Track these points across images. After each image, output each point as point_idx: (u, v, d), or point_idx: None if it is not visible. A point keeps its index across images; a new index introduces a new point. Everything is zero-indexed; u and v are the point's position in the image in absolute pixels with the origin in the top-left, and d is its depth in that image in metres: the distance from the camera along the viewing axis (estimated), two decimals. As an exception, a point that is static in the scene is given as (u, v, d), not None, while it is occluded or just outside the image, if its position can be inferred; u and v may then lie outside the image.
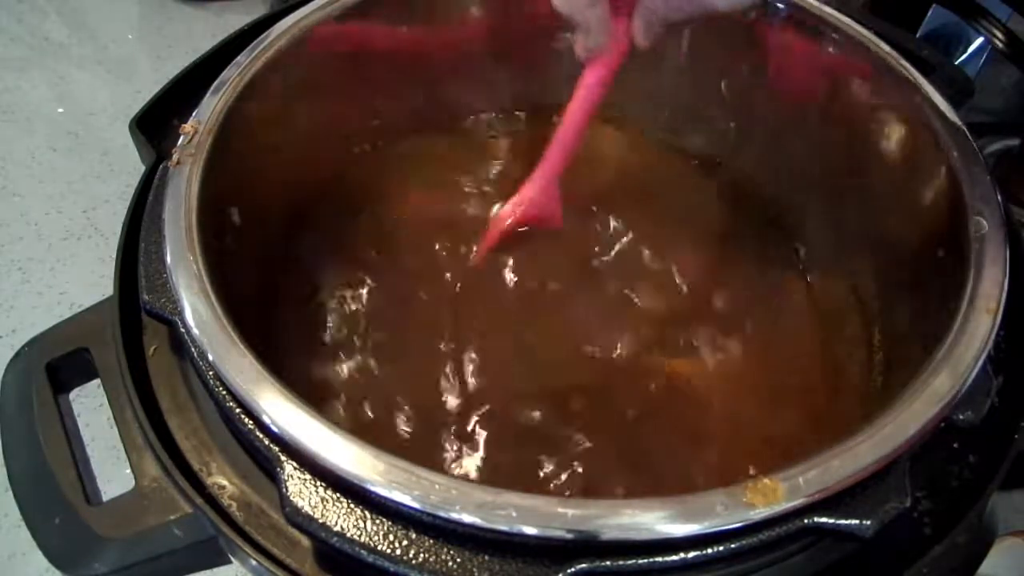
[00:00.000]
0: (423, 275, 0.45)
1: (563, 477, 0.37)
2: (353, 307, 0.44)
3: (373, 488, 0.25)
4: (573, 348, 0.42)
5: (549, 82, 0.49)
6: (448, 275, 0.45)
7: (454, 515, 0.24)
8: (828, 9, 0.40)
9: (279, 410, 0.26)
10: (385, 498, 0.25)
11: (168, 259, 0.30)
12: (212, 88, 0.36)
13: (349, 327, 0.43)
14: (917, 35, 0.63)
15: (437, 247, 0.46)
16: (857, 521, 0.25)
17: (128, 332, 0.34)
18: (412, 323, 0.43)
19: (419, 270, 0.45)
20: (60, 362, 0.35)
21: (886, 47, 0.39)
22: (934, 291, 0.34)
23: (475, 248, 0.44)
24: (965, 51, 0.68)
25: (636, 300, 0.44)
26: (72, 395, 0.36)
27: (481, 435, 0.38)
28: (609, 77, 0.39)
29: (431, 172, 0.51)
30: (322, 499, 0.26)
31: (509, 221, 0.44)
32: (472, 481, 0.25)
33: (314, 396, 0.39)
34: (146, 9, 0.96)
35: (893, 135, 0.38)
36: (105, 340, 0.34)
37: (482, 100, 0.51)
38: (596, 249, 0.46)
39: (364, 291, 0.44)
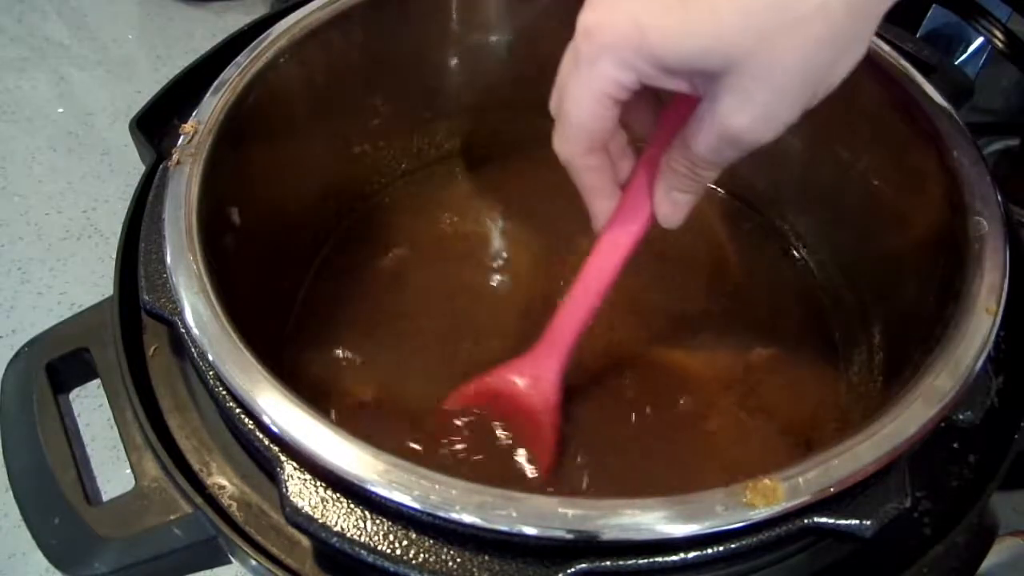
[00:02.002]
0: (425, 275, 0.45)
1: (564, 477, 0.37)
2: (354, 307, 0.44)
3: (373, 488, 0.25)
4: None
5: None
6: (450, 275, 0.45)
7: (454, 515, 0.24)
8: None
9: (279, 410, 0.26)
10: (385, 498, 0.25)
11: (168, 259, 0.30)
12: (212, 88, 0.36)
13: (349, 327, 0.43)
14: (917, 35, 0.63)
15: (440, 247, 0.46)
16: (857, 521, 0.25)
17: (128, 332, 0.34)
18: (414, 323, 0.43)
19: (421, 270, 0.45)
20: (60, 362, 0.35)
21: (886, 47, 0.39)
22: (934, 291, 0.34)
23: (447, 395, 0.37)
24: (965, 51, 0.68)
25: (635, 302, 0.44)
26: (72, 395, 0.36)
27: (480, 435, 0.38)
28: (625, 253, 0.33)
29: (435, 176, 0.51)
30: (322, 499, 0.26)
31: (492, 390, 0.36)
32: (472, 481, 0.25)
33: (314, 396, 0.39)
34: (146, 9, 0.96)
35: (893, 135, 0.38)
36: (105, 340, 0.34)
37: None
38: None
39: (366, 290, 0.44)
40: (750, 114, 0.26)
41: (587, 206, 0.32)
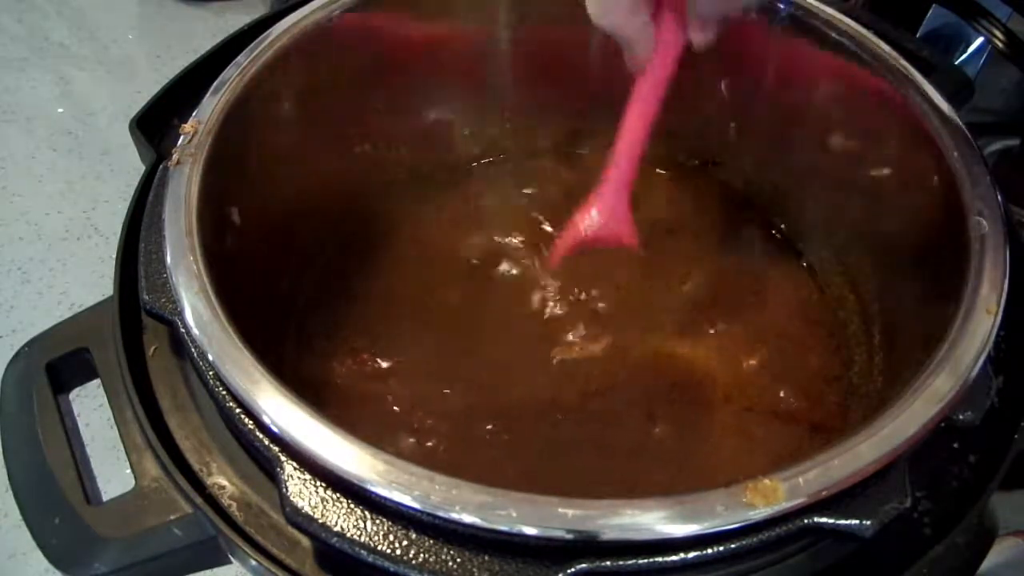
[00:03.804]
0: (426, 275, 0.45)
1: (566, 476, 0.37)
2: (354, 307, 0.44)
3: (373, 488, 0.25)
4: (574, 349, 0.42)
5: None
6: (452, 274, 0.45)
7: (454, 515, 0.24)
8: (828, 9, 0.40)
9: (279, 410, 0.26)
10: (385, 498, 0.25)
11: (168, 259, 0.30)
12: (212, 88, 0.36)
13: (350, 327, 0.43)
14: (917, 35, 0.63)
15: (442, 247, 0.46)
16: (857, 521, 0.25)
17: (128, 332, 0.34)
18: (415, 323, 0.43)
19: (422, 270, 0.45)
20: (60, 362, 0.35)
21: (886, 47, 0.39)
22: (934, 291, 0.34)
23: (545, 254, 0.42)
24: (965, 51, 0.68)
25: (634, 302, 0.44)
26: (72, 395, 0.36)
27: (482, 436, 0.38)
28: (663, 85, 0.36)
29: (435, 175, 0.51)
30: (322, 499, 0.26)
31: (582, 237, 0.39)
32: (472, 481, 0.25)
33: (314, 396, 0.39)
34: (146, 9, 0.96)
35: (893, 135, 0.38)
36: (105, 340, 0.34)
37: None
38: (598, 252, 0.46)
39: (366, 290, 0.44)
40: None
41: (628, 51, 0.35)
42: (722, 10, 0.34)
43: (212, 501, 0.30)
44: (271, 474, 0.27)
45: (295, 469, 0.26)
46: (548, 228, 0.47)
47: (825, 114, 0.43)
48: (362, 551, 0.25)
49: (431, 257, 0.46)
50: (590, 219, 0.38)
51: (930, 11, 0.63)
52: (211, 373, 0.28)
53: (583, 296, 0.44)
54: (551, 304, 0.44)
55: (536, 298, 0.44)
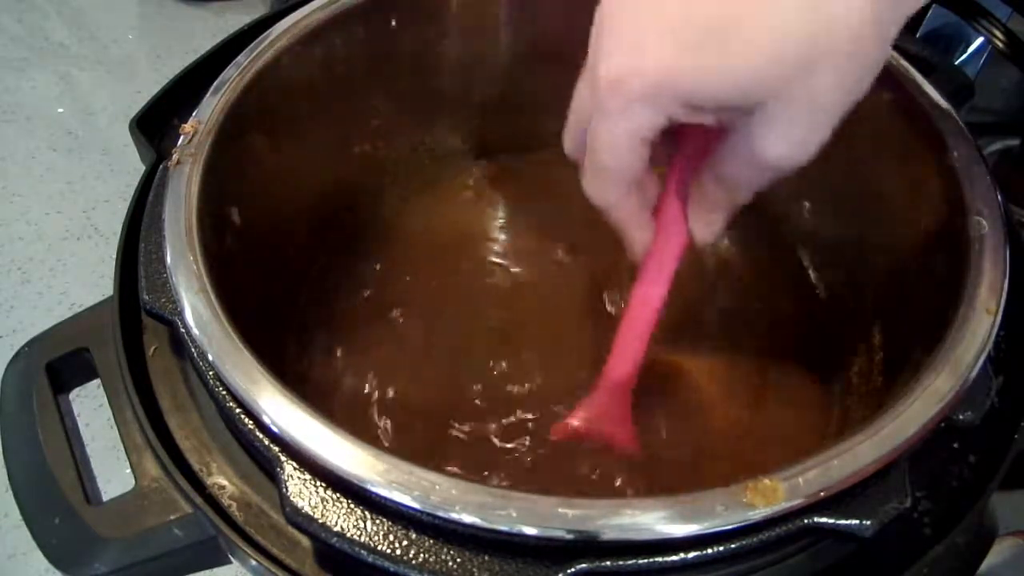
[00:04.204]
0: (426, 275, 0.45)
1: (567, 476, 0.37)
2: (354, 307, 0.44)
3: (373, 488, 0.25)
4: (574, 349, 0.42)
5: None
6: (452, 275, 0.45)
7: (454, 515, 0.24)
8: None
9: (279, 410, 0.26)
10: (385, 498, 0.25)
11: (168, 259, 0.30)
12: (212, 88, 0.36)
13: (350, 327, 0.43)
14: (917, 35, 0.63)
15: (442, 247, 0.46)
16: (857, 521, 0.25)
17: (128, 332, 0.34)
18: (416, 323, 0.43)
19: (422, 270, 0.45)
20: (60, 362, 0.35)
21: (886, 47, 0.39)
22: (934, 291, 0.34)
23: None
24: (965, 51, 0.68)
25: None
26: (72, 395, 0.36)
27: (483, 436, 0.38)
28: (663, 283, 0.33)
29: (435, 175, 0.51)
30: (322, 499, 0.26)
31: (577, 435, 0.36)
32: (472, 481, 0.25)
33: (314, 396, 0.39)
34: (146, 9, 0.96)
35: (893, 135, 0.38)
36: (105, 340, 0.34)
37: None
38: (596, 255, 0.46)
39: (366, 291, 0.44)
40: (788, 142, 0.25)
41: (623, 238, 0.32)
42: (732, 201, 0.30)
43: (212, 501, 0.30)
44: (271, 474, 0.27)
45: (295, 469, 0.26)
46: (554, 231, 0.47)
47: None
48: (362, 551, 0.25)
49: (432, 257, 0.46)
50: (585, 420, 0.35)
51: (930, 11, 0.63)
52: (211, 373, 0.28)
53: (578, 294, 0.44)
54: (555, 305, 0.44)
55: (540, 299, 0.44)
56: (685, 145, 0.30)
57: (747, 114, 0.25)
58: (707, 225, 0.31)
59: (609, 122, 0.26)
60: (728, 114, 0.26)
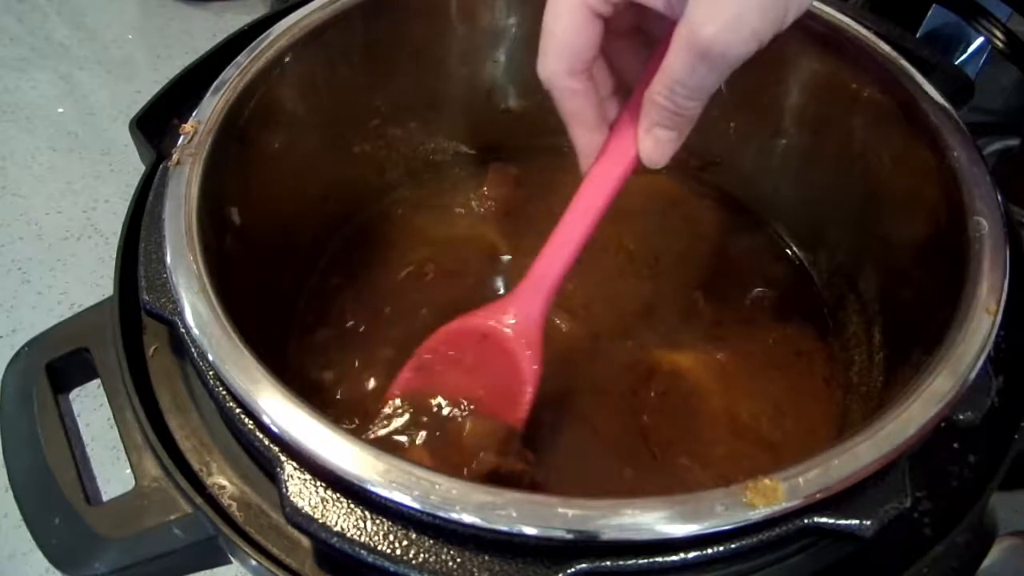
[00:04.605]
0: (426, 274, 0.45)
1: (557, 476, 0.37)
2: (354, 307, 0.44)
3: (373, 488, 0.25)
4: (574, 349, 0.42)
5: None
6: (452, 275, 0.45)
7: (454, 515, 0.24)
8: (828, 8, 0.40)
9: (279, 410, 0.26)
10: (385, 498, 0.25)
11: (168, 259, 0.30)
12: (212, 88, 0.36)
13: (350, 327, 0.43)
14: (917, 35, 0.63)
15: (441, 247, 0.46)
16: (857, 521, 0.25)
17: (128, 332, 0.34)
18: (415, 323, 0.43)
19: (422, 269, 0.45)
20: (60, 362, 0.35)
21: (886, 47, 0.39)
22: (934, 291, 0.34)
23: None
24: (965, 51, 0.68)
25: (633, 303, 0.44)
26: (72, 395, 0.36)
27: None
28: (605, 194, 0.33)
29: (435, 174, 0.51)
30: (322, 499, 0.26)
31: (477, 329, 0.35)
32: (472, 481, 0.25)
33: (314, 396, 0.39)
34: (146, 9, 0.97)
35: (893, 135, 0.38)
36: (105, 340, 0.34)
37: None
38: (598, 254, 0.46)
39: (365, 291, 0.44)
40: (719, 21, 0.26)
41: (572, 140, 0.33)
42: (679, 112, 0.30)
43: (212, 501, 0.30)
44: (271, 474, 0.27)
45: (295, 469, 0.26)
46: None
47: (825, 114, 0.43)
48: (362, 551, 0.25)
49: (432, 256, 0.46)
50: (498, 317, 0.34)
51: (930, 11, 0.63)
52: (211, 373, 0.28)
53: (576, 296, 0.44)
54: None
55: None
56: (652, 66, 0.31)
57: None
58: (655, 143, 0.31)
59: None
60: None
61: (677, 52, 0.27)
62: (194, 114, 0.35)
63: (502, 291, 0.45)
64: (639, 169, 0.32)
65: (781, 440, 0.39)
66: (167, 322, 0.30)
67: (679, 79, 0.28)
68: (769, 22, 0.26)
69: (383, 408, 0.35)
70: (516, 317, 0.35)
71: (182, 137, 0.35)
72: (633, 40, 0.32)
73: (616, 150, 0.32)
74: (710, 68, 0.27)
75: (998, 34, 0.58)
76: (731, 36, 0.26)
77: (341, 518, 0.25)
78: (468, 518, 0.24)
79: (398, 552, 0.25)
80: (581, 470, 0.37)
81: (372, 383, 0.40)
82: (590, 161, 0.33)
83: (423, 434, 0.34)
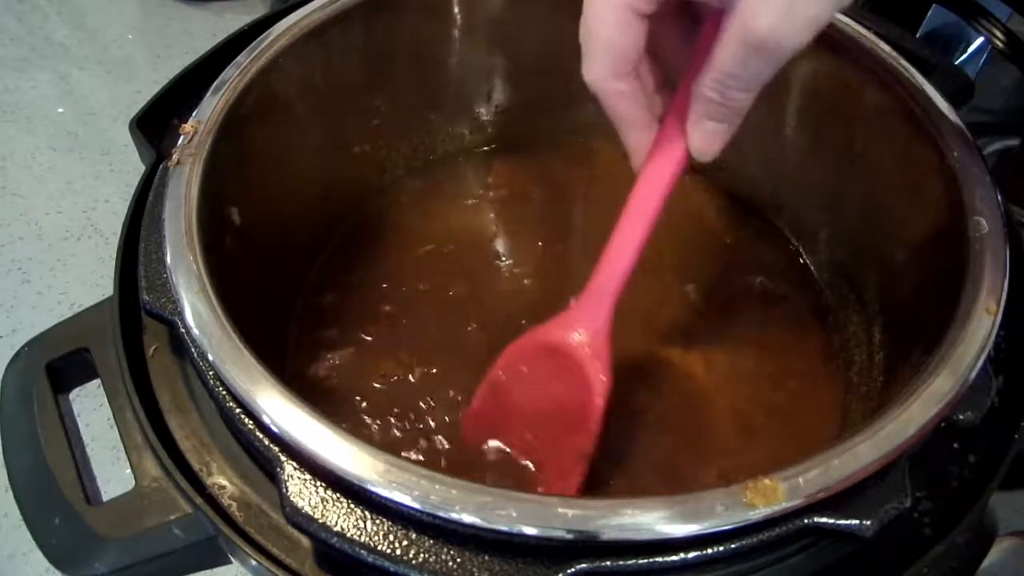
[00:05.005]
0: (426, 274, 0.45)
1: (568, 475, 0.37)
2: (354, 307, 0.44)
3: (373, 488, 0.25)
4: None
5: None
6: (452, 275, 0.45)
7: (454, 515, 0.24)
8: (828, 9, 0.40)
9: (279, 410, 0.26)
10: (385, 498, 0.25)
11: (168, 259, 0.30)
12: (212, 88, 0.36)
13: (350, 327, 0.43)
14: (917, 35, 0.63)
15: (441, 247, 0.46)
16: (857, 521, 0.25)
17: (128, 332, 0.34)
18: (415, 323, 0.43)
19: (422, 269, 0.45)
20: (60, 362, 0.35)
21: (886, 47, 0.39)
22: (934, 291, 0.34)
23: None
24: (965, 51, 0.68)
25: (633, 302, 0.44)
26: (72, 395, 0.36)
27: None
28: (664, 187, 0.31)
29: (435, 174, 0.51)
30: (322, 499, 0.26)
31: (546, 344, 0.35)
32: (472, 481, 0.25)
33: (314, 396, 0.39)
34: (146, 9, 0.96)
35: (893, 135, 0.38)
36: (105, 340, 0.34)
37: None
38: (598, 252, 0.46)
39: (366, 291, 0.44)
40: (774, 11, 0.24)
41: (623, 141, 0.32)
42: (729, 106, 0.28)
43: (212, 501, 0.30)
44: (271, 474, 0.27)
45: (295, 469, 0.26)
46: (556, 228, 0.47)
47: (825, 115, 0.43)
48: (362, 551, 0.25)
49: (432, 255, 0.46)
50: (565, 332, 0.34)
51: (930, 11, 0.63)
52: (211, 373, 0.28)
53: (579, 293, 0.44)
54: (558, 302, 0.44)
55: (543, 297, 0.44)
56: (699, 54, 0.29)
57: None
58: (704, 136, 0.30)
59: None
60: None
61: (728, 44, 0.26)
62: (194, 114, 0.35)
63: (503, 290, 0.45)
64: (693, 165, 0.31)
65: (780, 439, 0.39)
66: (167, 322, 0.30)
67: (731, 72, 0.27)
68: (828, 5, 0.25)
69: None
70: (583, 329, 0.34)
71: (182, 137, 0.35)
72: (677, 26, 0.30)
73: (666, 146, 0.31)
74: (765, 61, 0.26)
75: (998, 34, 0.58)
76: (787, 27, 0.25)
77: (341, 518, 0.25)
78: (468, 518, 0.24)
79: (398, 552, 0.25)
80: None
81: (372, 383, 0.40)
82: (641, 159, 0.32)
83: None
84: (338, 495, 0.26)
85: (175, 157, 0.34)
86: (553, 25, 0.46)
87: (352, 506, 0.26)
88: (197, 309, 0.29)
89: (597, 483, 0.37)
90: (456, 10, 0.46)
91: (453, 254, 0.46)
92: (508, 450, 0.36)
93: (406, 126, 0.49)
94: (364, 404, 0.40)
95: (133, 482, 0.32)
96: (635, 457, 0.38)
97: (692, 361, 0.41)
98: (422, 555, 0.25)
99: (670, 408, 0.40)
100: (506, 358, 0.36)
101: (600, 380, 0.33)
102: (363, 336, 0.42)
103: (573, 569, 0.24)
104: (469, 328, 0.43)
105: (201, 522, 0.30)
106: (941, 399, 0.27)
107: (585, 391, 0.34)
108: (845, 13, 0.40)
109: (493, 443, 0.36)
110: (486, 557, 0.25)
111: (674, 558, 0.25)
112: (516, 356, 0.35)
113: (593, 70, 0.29)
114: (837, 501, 0.25)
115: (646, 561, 0.25)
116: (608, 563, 0.24)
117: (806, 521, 0.25)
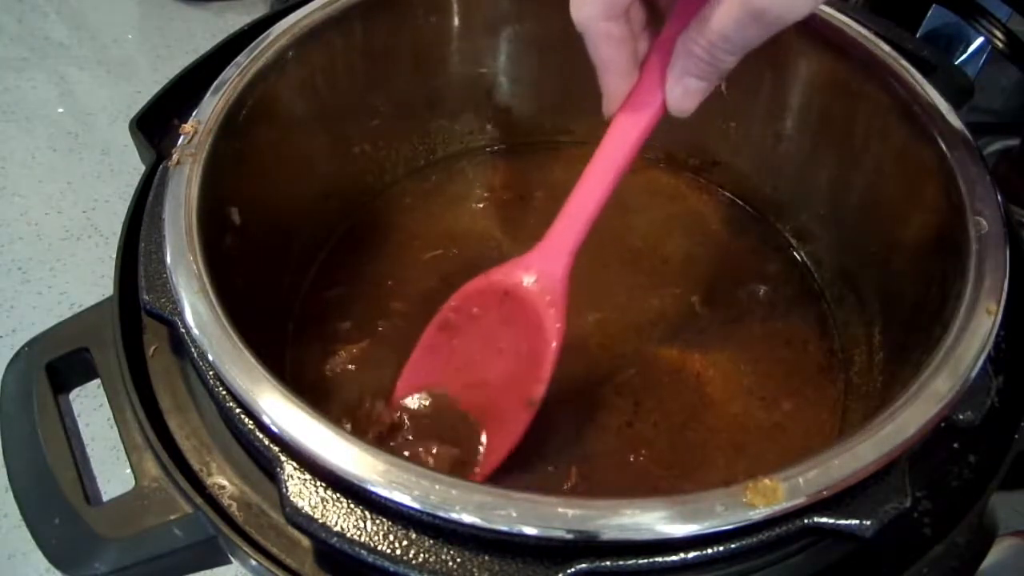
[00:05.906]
0: (426, 274, 0.45)
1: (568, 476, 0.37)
2: (355, 307, 0.44)
3: (373, 488, 0.25)
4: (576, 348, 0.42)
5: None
6: (452, 274, 0.45)
7: (454, 515, 0.24)
8: (828, 8, 0.40)
9: (279, 410, 0.26)
10: (385, 498, 0.25)
11: (168, 259, 0.30)
12: (212, 88, 0.36)
13: (350, 327, 0.43)
14: (917, 35, 0.63)
15: (441, 247, 0.46)
16: (857, 521, 0.25)
17: (128, 332, 0.34)
18: (415, 323, 0.43)
19: (422, 269, 0.45)
20: (60, 362, 0.35)
21: (886, 47, 0.39)
22: (934, 291, 0.34)
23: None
24: (965, 51, 0.68)
25: (633, 302, 0.44)
26: (72, 395, 0.36)
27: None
28: (639, 137, 0.31)
29: (435, 174, 0.51)
30: (322, 499, 0.26)
31: (498, 287, 0.34)
32: (472, 481, 0.25)
33: (314, 396, 0.39)
34: (146, 9, 0.96)
35: (893, 135, 0.38)
36: (105, 340, 0.34)
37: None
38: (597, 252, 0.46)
39: (366, 291, 0.44)
40: None
41: (601, 85, 0.31)
42: (713, 63, 0.28)
43: (212, 501, 0.30)
44: (271, 474, 0.27)
45: (295, 469, 0.26)
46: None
47: (825, 114, 0.43)
48: (362, 551, 0.25)
49: (432, 256, 0.46)
50: (521, 275, 0.33)
51: (930, 11, 0.63)
52: (211, 373, 0.28)
53: (579, 293, 0.44)
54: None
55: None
56: (688, 7, 0.29)
57: None
58: (684, 91, 0.29)
59: None
60: None
61: (729, 7, 0.25)
62: (194, 114, 0.35)
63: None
64: (665, 119, 0.30)
65: (781, 440, 0.39)
66: (167, 322, 0.30)
67: (725, 34, 0.26)
68: None
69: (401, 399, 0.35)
70: (538, 274, 0.33)
71: (182, 137, 0.35)
72: None
73: (643, 97, 0.30)
74: (763, 28, 0.26)
75: (998, 34, 0.58)
76: None
77: (341, 518, 0.25)
78: (468, 518, 0.24)
79: (398, 552, 0.25)
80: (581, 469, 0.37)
81: (373, 382, 0.40)
82: (616, 106, 0.31)
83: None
84: (338, 495, 0.26)
85: (175, 157, 0.34)
86: (553, 25, 0.46)
87: (352, 506, 0.26)
88: (197, 309, 0.29)
89: (597, 484, 0.37)
90: (456, 10, 0.46)
91: (454, 252, 0.46)
92: (450, 395, 0.35)
93: (406, 126, 0.49)
94: (365, 403, 0.40)
95: (133, 482, 0.32)
96: (635, 458, 0.38)
97: (692, 362, 0.41)
98: (422, 555, 0.25)
99: (668, 407, 0.40)
100: (459, 298, 0.35)
101: (555, 326, 0.33)
102: (363, 335, 0.42)
103: (573, 569, 0.24)
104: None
105: (201, 522, 0.30)
106: (941, 399, 0.27)
107: (539, 337, 0.33)
108: (845, 13, 0.40)
109: (438, 389, 0.35)
110: (486, 557, 0.25)
111: (674, 558, 0.25)
112: (469, 296, 0.35)
113: (583, 9, 0.29)
114: (837, 501, 0.25)
115: (646, 561, 0.25)
116: (608, 563, 0.24)
117: (806, 521, 0.25)
